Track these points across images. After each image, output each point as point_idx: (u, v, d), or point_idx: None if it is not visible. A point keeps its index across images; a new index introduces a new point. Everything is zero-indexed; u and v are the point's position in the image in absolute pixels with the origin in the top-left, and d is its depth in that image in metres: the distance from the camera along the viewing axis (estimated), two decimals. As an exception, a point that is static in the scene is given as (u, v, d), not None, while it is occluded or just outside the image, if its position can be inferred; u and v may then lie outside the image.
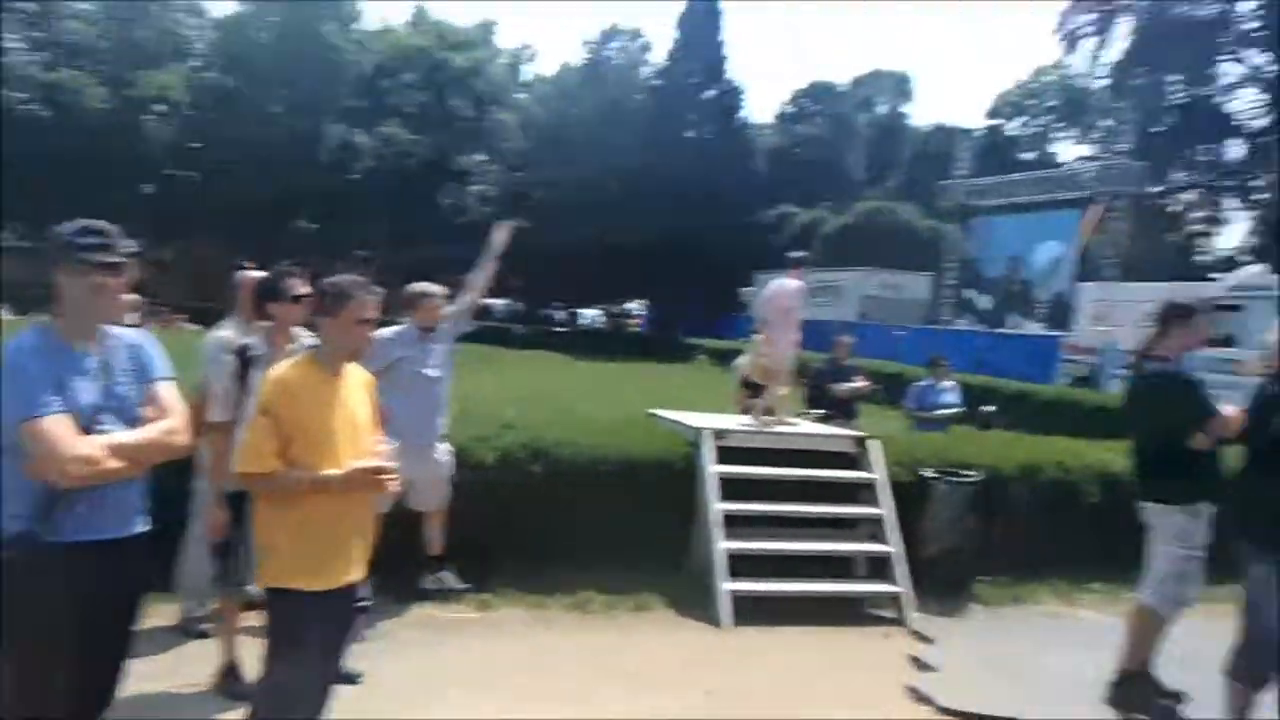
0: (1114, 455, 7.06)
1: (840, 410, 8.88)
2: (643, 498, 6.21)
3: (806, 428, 7.53)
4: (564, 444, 6.30)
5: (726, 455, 6.45)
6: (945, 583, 6.44)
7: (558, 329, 42.12)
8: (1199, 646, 4.95)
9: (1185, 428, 4.65)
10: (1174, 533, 4.75)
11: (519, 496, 5.98)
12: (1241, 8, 39.34)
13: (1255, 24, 39.12)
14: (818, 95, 59.44)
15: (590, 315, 49.92)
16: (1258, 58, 39.71)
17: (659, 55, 44.08)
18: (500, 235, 6.01)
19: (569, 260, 36.72)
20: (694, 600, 5.96)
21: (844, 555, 6.54)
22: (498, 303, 45.03)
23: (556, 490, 6.08)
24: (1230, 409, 4.60)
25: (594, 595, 5.92)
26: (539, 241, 36.70)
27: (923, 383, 10.16)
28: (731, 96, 41.05)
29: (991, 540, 6.60)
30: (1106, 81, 45.00)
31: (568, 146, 39.17)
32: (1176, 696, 4.91)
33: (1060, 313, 26.15)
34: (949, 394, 9.91)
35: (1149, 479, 4.93)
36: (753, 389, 7.79)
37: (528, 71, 54.53)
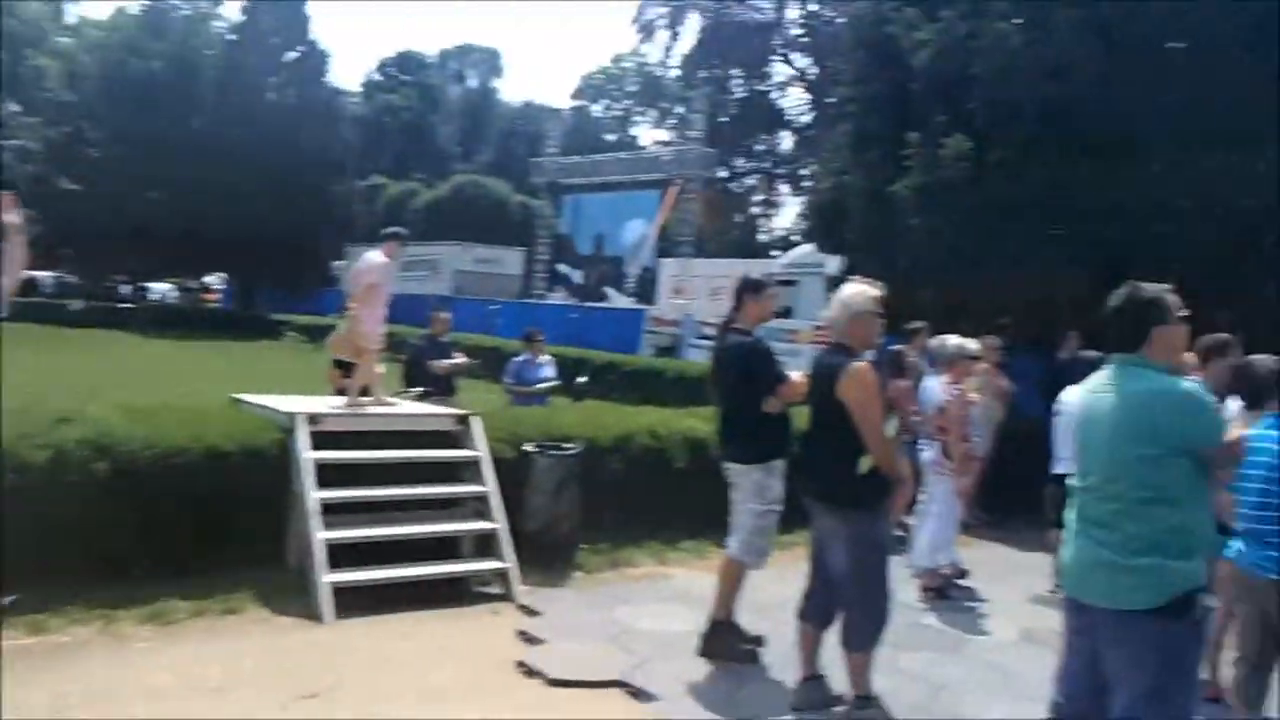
0: (698, 422, 7.60)
1: (439, 387, 8.75)
2: (230, 491, 5.70)
3: (406, 407, 7.33)
4: (135, 437, 5.62)
5: (322, 440, 6.09)
6: (549, 554, 6.59)
7: (123, 305, 37.90)
8: (776, 592, 5.47)
9: (760, 393, 5.07)
10: (754, 490, 5.17)
11: (80, 500, 5.25)
12: (790, 14, 44.32)
13: (800, 31, 44.28)
14: (406, 65, 58.55)
15: (162, 290, 45.49)
16: (802, 61, 45.02)
17: (232, 10, 40.88)
18: (4, 213, 5.18)
19: (133, 230, 33.05)
20: (292, 596, 5.58)
21: (449, 536, 6.45)
22: (45, 275, 39.81)
23: (127, 490, 5.41)
24: (797, 375, 5.08)
25: (176, 603, 5.34)
26: (94, 208, 32.83)
27: (520, 357, 10.28)
28: (316, 59, 38.94)
29: (591, 509, 6.83)
30: (678, 72, 48.76)
31: (127, 102, 35.06)
32: (757, 640, 5.37)
33: (646, 287, 27.88)
34: (545, 368, 10.12)
35: (731, 441, 5.33)
36: (346, 368, 7.45)
37: (72, 13, 48.33)
